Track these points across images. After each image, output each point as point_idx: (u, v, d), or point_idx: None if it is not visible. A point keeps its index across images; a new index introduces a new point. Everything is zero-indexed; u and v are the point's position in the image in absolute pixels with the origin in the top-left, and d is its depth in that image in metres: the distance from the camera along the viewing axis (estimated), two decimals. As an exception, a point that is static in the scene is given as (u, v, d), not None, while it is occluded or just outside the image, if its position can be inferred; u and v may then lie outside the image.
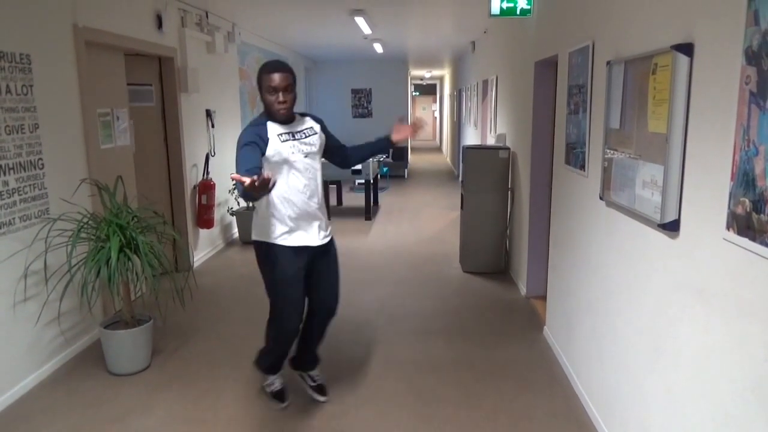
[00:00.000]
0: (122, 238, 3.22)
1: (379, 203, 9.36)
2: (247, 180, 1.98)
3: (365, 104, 13.17)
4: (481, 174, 5.27)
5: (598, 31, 2.85)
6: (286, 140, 2.64)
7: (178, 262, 5.33)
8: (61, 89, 3.54)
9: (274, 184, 2.04)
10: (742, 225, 1.55)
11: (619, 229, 2.53)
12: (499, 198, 5.31)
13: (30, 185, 3.23)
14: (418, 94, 25.54)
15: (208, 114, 6.01)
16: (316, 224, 2.74)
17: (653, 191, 2.10)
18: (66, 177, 3.57)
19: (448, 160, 16.25)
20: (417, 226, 7.55)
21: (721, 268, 1.69)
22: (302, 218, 2.68)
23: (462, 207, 5.49)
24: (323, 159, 2.87)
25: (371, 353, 3.68)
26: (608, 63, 2.61)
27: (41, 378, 3.33)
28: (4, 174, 3.04)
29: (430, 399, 3.10)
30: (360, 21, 6.65)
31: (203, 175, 5.82)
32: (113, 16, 4.17)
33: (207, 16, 5.90)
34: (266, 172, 2.30)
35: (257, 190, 1.98)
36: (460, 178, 6.47)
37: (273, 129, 2.63)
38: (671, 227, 1.98)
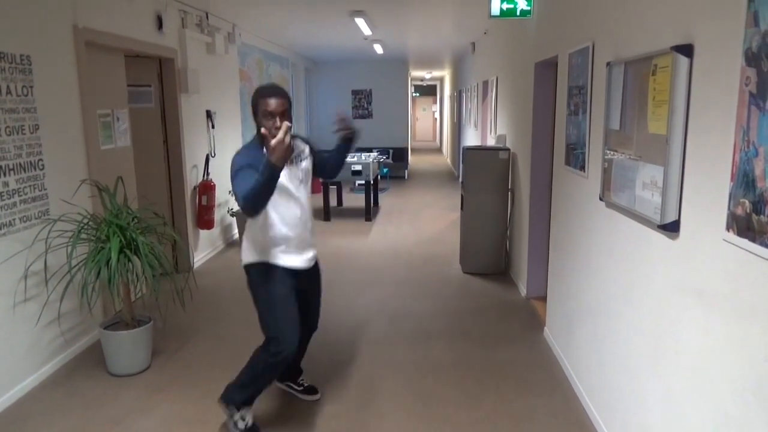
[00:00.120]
0: (122, 239, 3.22)
1: (380, 204, 9.37)
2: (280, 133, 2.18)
3: (365, 105, 13.17)
4: (482, 175, 5.27)
5: (598, 32, 2.85)
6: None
7: (179, 263, 5.33)
8: (62, 90, 3.55)
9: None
10: (742, 226, 1.55)
11: (619, 230, 2.53)
12: (499, 199, 5.31)
13: (30, 186, 3.24)
14: (418, 95, 25.55)
15: (209, 115, 6.01)
16: (308, 248, 2.77)
17: (653, 192, 2.10)
18: (66, 178, 3.57)
19: (449, 161, 16.26)
20: (417, 227, 7.55)
21: (721, 269, 1.69)
22: (298, 243, 2.69)
23: (462, 208, 5.49)
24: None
25: (371, 354, 3.68)
26: (608, 64, 2.61)
27: (41, 379, 3.33)
28: (5, 175, 3.05)
29: (430, 399, 3.10)
30: (360, 22, 6.66)
31: (203, 176, 5.82)
32: (113, 17, 4.17)
33: (207, 17, 5.90)
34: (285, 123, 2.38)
35: (286, 151, 2.17)
36: (461, 179, 6.47)
37: None
38: (671, 228, 1.98)
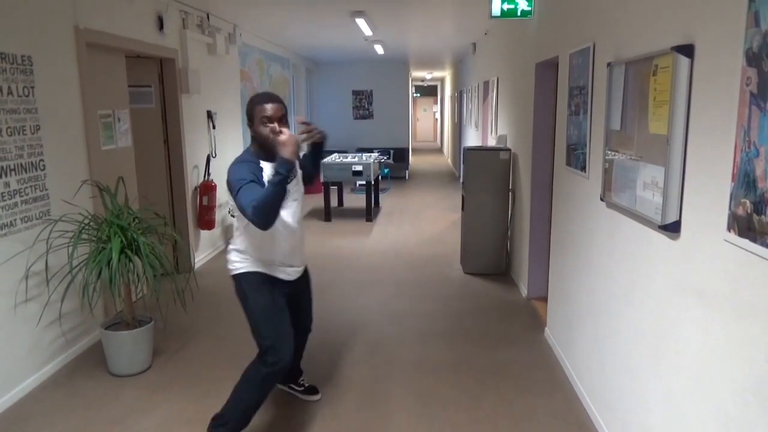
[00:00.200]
0: (123, 240, 3.22)
1: (380, 204, 9.37)
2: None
3: (366, 106, 13.17)
4: (482, 175, 5.27)
5: (599, 32, 2.85)
6: None
7: (179, 264, 5.33)
8: (63, 90, 3.55)
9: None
10: (743, 226, 1.55)
11: (620, 230, 2.53)
12: (500, 199, 5.31)
13: (31, 186, 3.24)
14: (419, 95, 25.55)
15: (209, 115, 6.01)
16: (299, 259, 2.77)
17: (654, 192, 2.10)
18: (67, 178, 3.58)
19: (449, 161, 16.26)
20: (418, 228, 7.55)
21: (721, 269, 1.69)
22: (290, 253, 2.68)
23: (463, 208, 5.49)
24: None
25: (372, 354, 3.68)
26: (609, 64, 2.61)
27: (42, 379, 3.34)
28: (6, 175, 3.05)
29: (431, 400, 3.10)
30: (361, 22, 6.66)
31: (204, 177, 5.83)
32: (114, 18, 4.17)
33: (208, 18, 5.91)
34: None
35: (296, 144, 2.33)
36: (461, 180, 6.47)
37: (267, 170, 2.50)
38: (672, 228, 1.98)
